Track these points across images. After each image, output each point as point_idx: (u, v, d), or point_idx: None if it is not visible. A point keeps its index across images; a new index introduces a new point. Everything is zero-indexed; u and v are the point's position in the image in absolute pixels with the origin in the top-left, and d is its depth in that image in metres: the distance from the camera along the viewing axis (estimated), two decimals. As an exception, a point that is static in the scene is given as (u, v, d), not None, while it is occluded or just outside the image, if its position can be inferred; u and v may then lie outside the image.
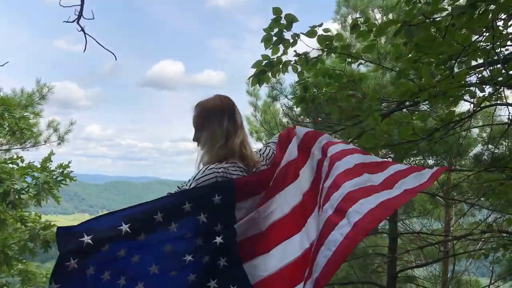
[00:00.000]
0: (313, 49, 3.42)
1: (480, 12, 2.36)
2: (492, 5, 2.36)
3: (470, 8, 2.16)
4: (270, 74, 3.45)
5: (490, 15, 2.43)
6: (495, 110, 4.91)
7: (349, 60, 3.63)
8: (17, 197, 4.99)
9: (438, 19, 2.34)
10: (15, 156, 5.69)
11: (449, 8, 2.44)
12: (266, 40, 3.28)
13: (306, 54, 3.46)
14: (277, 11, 3.18)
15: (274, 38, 3.28)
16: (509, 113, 4.20)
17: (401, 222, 8.83)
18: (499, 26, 2.92)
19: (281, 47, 3.37)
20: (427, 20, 2.26)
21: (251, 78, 3.47)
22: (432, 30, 2.46)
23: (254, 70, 3.44)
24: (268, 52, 3.35)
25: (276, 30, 3.26)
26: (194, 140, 2.15)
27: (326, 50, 3.45)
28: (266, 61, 3.38)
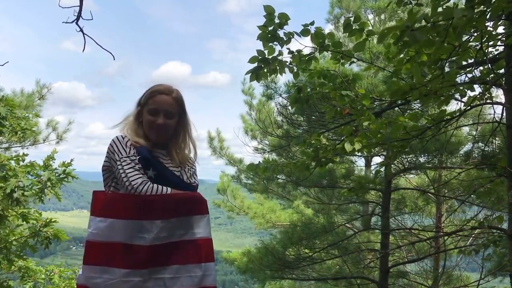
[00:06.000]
0: (306, 46, 3.50)
1: (476, 14, 2.41)
2: (488, 8, 2.41)
3: (471, 11, 2.20)
4: (267, 71, 3.49)
5: (488, 16, 2.48)
6: (481, 109, 5.01)
7: (342, 60, 3.70)
8: (21, 193, 5.07)
9: (437, 23, 2.37)
10: (14, 154, 5.80)
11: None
12: (263, 37, 3.35)
13: (299, 51, 3.52)
14: (269, 9, 3.25)
15: (269, 36, 3.35)
16: (494, 112, 4.31)
17: (393, 218, 8.94)
18: (488, 26, 3.00)
19: (277, 47, 3.43)
20: (428, 24, 2.29)
21: (249, 74, 3.52)
22: (431, 35, 2.51)
23: (251, 67, 3.49)
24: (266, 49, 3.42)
25: (270, 28, 3.33)
26: (170, 118, 2.12)
27: (319, 48, 3.52)
28: (262, 57, 3.43)
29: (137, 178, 1.99)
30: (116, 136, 2.09)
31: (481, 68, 3.83)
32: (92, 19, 3.00)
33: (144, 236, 1.96)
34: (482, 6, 2.43)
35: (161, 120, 2.07)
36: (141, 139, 2.09)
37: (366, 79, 6.29)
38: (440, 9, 2.39)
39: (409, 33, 2.25)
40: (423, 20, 2.30)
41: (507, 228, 4.67)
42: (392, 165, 7.24)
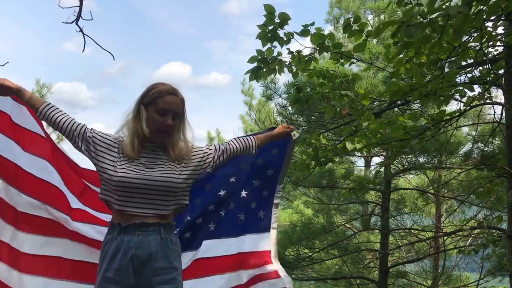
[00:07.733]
0: (305, 47, 3.50)
1: (474, 12, 2.42)
2: (484, 6, 2.41)
3: (466, 7, 2.20)
4: (266, 71, 3.49)
5: (485, 15, 2.48)
6: (481, 110, 5.01)
7: (342, 60, 3.70)
8: None
9: (434, 19, 2.37)
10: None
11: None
12: (262, 37, 3.34)
13: (299, 52, 3.52)
14: (269, 8, 3.25)
15: (269, 36, 3.34)
16: (494, 112, 4.31)
17: (392, 218, 8.95)
18: (488, 27, 3.01)
19: (277, 47, 3.43)
20: (424, 21, 2.29)
21: (248, 74, 3.52)
22: (428, 31, 2.51)
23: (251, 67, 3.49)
24: (265, 49, 3.42)
25: (270, 27, 3.32)
26: (176, 118, 2.14)
27: (318, 48, 3.52)
28: (261, 57, 3.43)
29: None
30: None
31: (481, 68, 3.84)
32: (92, 19, 3.01)
33: None
34: (480, 6, 2.43)
35: (170, 121, 2.10)
36: (135, 138, 2.11)
37: (365, 79, 6.29)
38: (436, 5, 2.38)
39: (404, 29, 2.24)
40: (419, 17, 2.29)
41: (506, 228, 4.68)
42: (391, 165, 7.24)
